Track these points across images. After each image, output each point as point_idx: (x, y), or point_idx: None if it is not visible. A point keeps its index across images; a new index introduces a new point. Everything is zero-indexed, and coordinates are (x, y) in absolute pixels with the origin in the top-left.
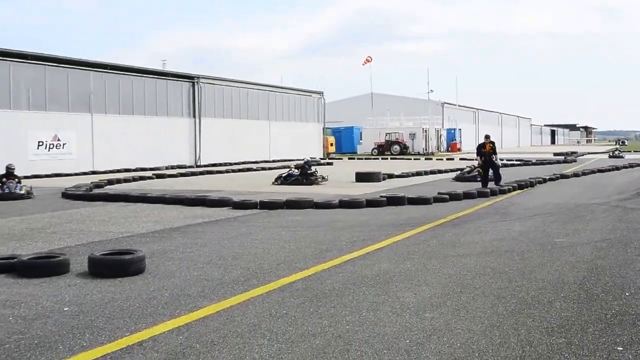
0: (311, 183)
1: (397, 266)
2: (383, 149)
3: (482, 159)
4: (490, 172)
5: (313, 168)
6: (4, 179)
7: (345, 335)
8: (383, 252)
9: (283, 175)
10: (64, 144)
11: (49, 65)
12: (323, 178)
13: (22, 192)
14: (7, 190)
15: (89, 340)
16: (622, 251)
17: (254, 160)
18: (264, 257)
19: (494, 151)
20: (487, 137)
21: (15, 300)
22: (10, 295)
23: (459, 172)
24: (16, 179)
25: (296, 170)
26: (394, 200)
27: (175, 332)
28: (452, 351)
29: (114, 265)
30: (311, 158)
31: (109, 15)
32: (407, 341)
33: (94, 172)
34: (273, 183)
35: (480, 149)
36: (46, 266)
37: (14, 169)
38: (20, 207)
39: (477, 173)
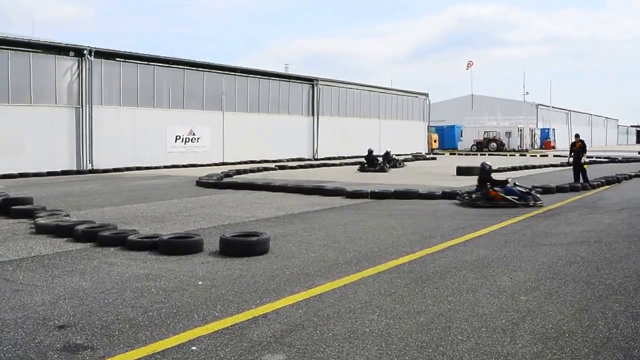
0: (380, 170)
1: (495, 253)
2: (481, 146)
3: (572, 154)
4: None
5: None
6: None
7: (447, 314)
8: (482, 240)
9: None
10: (198, 138)
11: (187, 69)
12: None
13: None
14: None
15: (220, 311)
16: None
17: (365, 154)
18: (374, 242)
19: (583, 149)
20: (577, 136)
21: (156, 274)
22: (152, 269)
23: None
24: None
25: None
26: None
27: (295, 306)
28: (545, 331)
29: (242, 245)
30: (388, 151)
31: (239, 24)
32: (503, 321)
33: (224, 163)
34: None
35: (572, 147)
36: (183, 245)
37: None
38: (160, 193)
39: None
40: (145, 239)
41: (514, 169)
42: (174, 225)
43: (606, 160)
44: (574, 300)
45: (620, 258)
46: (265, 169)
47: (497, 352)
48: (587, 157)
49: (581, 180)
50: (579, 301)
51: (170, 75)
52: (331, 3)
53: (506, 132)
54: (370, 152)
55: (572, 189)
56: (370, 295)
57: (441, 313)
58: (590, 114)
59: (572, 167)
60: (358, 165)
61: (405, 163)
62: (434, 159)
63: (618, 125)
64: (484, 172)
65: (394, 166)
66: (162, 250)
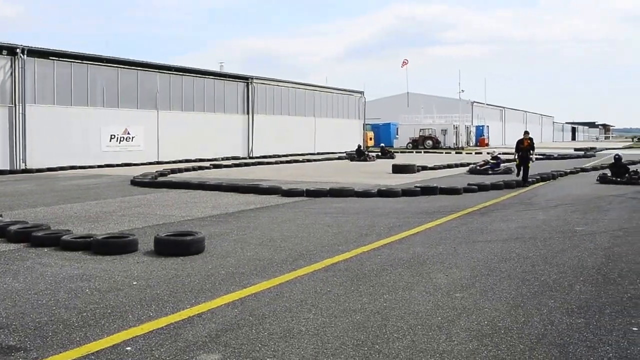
0: (366, 160)
1: (430, 250)
2: (417, 144)
3: (520, 154)
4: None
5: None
6: None
7: (382, 312)
8: (417, 238)
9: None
10: (133, 137)
11: (121, 67)
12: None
13: None
14: None
15: (155, 311)
16: (637, 239)
17: (300, 152)
18: (309, 240)
19: (532, 147)
20: (526, 133)
21: (91, 275)
22: (86, 270)
23: (473, 165)
24: None
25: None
26: (427, 190)
27: (231, 305)
28: (480, 328)
29: (177, 245)
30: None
31: (173, 24)
32: (439, 318)
33: (159, 162)
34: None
35: (519, 144)
36: (117, 245)
37: None
38: (95, 192)
39: (488, 166)
40: (79, 239)
41: (449, 166)
42: (108, 225)
43: (542, 157)
44: (510, 297)
45: (555, 254)
46: (201, 167)
47: (433, 350)
48: (535, 155)
49: (520, 177)
50: (515, 298)
51: (105, 73)
52: (270, 2)
53: (442, 130)
54: (359, 147)
55: (507, 186)
56: (306, 293)
57: (377, 311)
58: (525, 111)
59: (518, 162)
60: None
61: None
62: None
63: (553, 122)
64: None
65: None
66: (97, 250)
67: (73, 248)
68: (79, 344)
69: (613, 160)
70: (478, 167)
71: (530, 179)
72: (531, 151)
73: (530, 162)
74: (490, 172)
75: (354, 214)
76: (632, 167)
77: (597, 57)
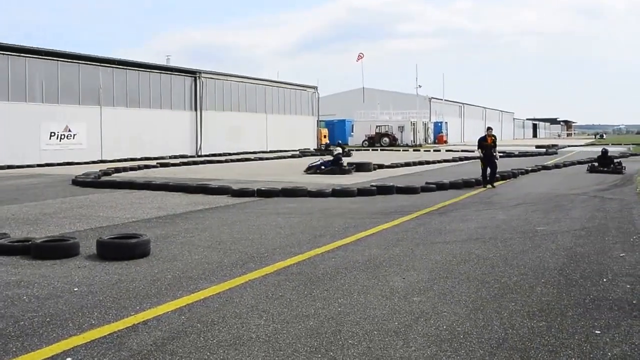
0: (344, 172)
1: (387, 252)
2: (373, 141)
3: (483, 152)
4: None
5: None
6: None
7: (337, 317)
8: (373, 239)
9: (314, 164)
10: (74, 135)
11: (61, 61)
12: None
13: None
14: None
15: (97, 319)
16: (599, 239)
17: (251, 150)
18: (260, 242)
19: (495, 145)
20: (489, 129)
21: (29, 281)
22: (24, 275)
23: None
24: None
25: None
26: (383, 190)
27: (178, 312)
28: (439, 333)
29: (121, 248)
30: (338, 145)
31: (118, 16)
32: (396, 323)
33: (102, 161)
34: (305, 172)
35: (482, 142)
36: (58, 249)
37: None
38: (33, 193)
39: (320, 162)
40: (16, 243)
41: (407, 164)
42: (48, 228)
43: (502, 154)
44: (469, 300)
45: (516, 255)
46: (147, 166)
47: (390, 357)
48: (499, 153)
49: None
50: (474, 301)
51: (44, 67)
52: None
53: (399, 127)
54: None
55: (466, 184)
56: (257, 298)
57: (331, 316)
58: (485, 107)
59: (482, 163)
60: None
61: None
62: (324, 155)
63: (514, 119)
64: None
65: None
66: (35, 254)
67: (10, 252)
68: (16, 354)
69: (600, 154)
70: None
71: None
72: (494, 149)
73: (496, 160)
74: (323, 167)
75: (308, 214)
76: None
77: (557, 51)
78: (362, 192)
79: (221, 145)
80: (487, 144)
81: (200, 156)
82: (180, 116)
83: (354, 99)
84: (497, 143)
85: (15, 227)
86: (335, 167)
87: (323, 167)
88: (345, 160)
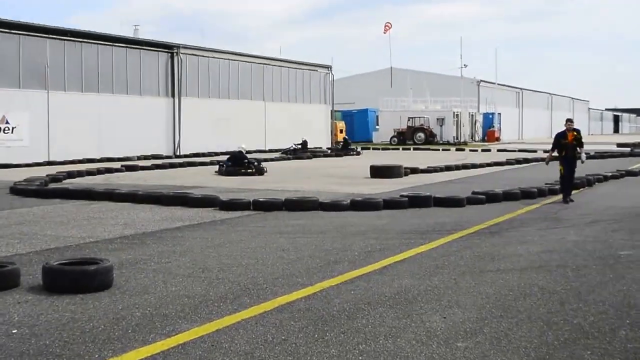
0: (250, 174)
1: (422, 283)
2: (404, 137)
3: (564, 153)
4: None
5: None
6: None
7: None
8: (404, 266)
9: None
10: (12, 128)
11: None
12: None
13: None
14: None
15: None
16: None
17: (245, 149)
18: (257, 270)
19: (579, 143)
20: (569, 121)
21: None
22: None
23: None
24: None
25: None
26: (418, 201)
27: None
28: None
29: (74, 277)
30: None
31: None
32: None
33: (49, 163)
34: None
35: (560, 139)
36: None
37: None
38: None
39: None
40: None
41: (448, 168)
42: None
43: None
44: (530, 347)
45: (592, 288)
46: (108, 170)
47: None
48: (585, 154)
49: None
50: (537, 348)
51: None
52: None
53: (438, 119)
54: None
55: (525, 195)
56: (253, 344)
57: None
58: (551, 94)
59: (561, 167)
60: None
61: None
62: (340, 155)
63: (589, 109)
64: None
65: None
66: None
67: None
68: None
69: None
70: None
71: (555, 186)
72: (579, 149)
73: (581, 162)
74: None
75: (319, 233)
76: None
77: None
78: (390, 204)
79: (206, 143)
80: (567, 142)
81: (179, 156)
82: (153, 104)
83: (380, 83)
84: (582, 140)
85: None
86: (235, 167)
87: (223, 167)
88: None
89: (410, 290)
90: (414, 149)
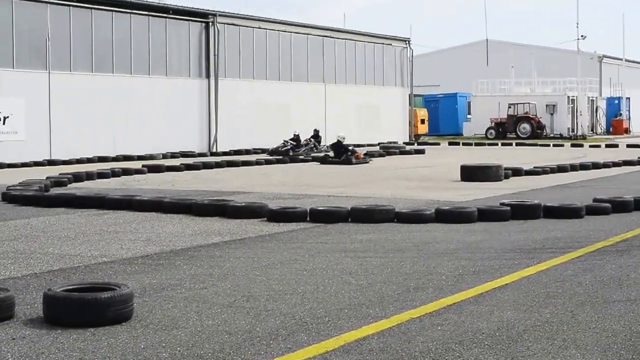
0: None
1: (530, 316)
2: (504, 130)
3: None
4: None
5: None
6: None
7: None
8: (506, 293)
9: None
10: (4, 118)
11: None
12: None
13: None
14: None
15: None
16: None
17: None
18: (317, 299)
19: None
20: None
21: None
22: None
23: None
24: None
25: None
26: (522, 211)
27: None
28: None
29: (84, 307)
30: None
31: None
32: None
33: (51, 162)
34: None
35: None
36: None
37: None
38: None
39: (289, 147)
40: None
41: (562, 169)
42: None
43: None
44: None
45: None
46: (126, 171)
47: None
48: None
49: None
50: None
51: None
52: None
53: (547, 105)
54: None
55: None
56: None
57: None
58: None
59: None
60: None
61: (370, 159)
62: (421, 152)
63: None
64: None
65: (348, 162)
66: None
67: None
68: None
69: None
70: (279, 149)
71: None
72: None
73: None
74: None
75: (395, 252)
76: None
77: None
78: (487, 214)
79: (249, 136)
80: None
81: (216, 153)
82: (182, 87)
83: (472, 60)
84: None
85: None
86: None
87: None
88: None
89: (515, 325)
90: (517, 144)
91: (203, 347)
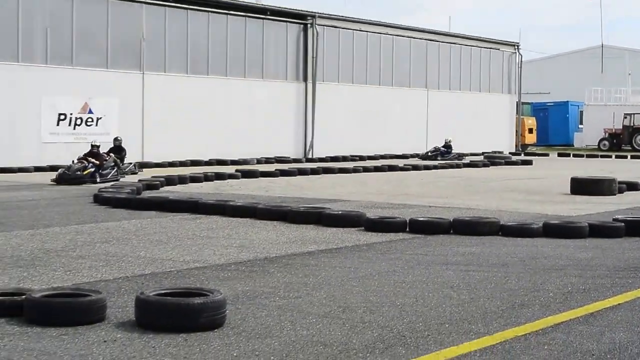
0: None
1: None
2: (619, 141)
3: None
4: None
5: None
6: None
7: None
8: (619, 314)
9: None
10: (98, 119)
11: None
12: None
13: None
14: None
15: None
16: None
17: (400, 153)
18: (416, 312)
19: None
20: None
21: None
22: (12, 352)
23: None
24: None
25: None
26: (638, 228)
27: None
28: None
29: (177, 312)
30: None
31: None
32: None
33: (143, 165)
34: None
35: None
36: (69, 309)
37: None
38: (30, 214)
39: (437, 152)
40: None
41: None
42: (53, 274)
43: None
44: None
45: None
46: (219, 175)
47: None
48: None
49: None
50: None
51: (45, 7)
52: None
53: None
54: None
55: None
56: None
57: None
58: None
59: None
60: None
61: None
62: (529, 163)
63: None
64: None
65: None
66: (33, 317)
67: None
68: None
69: None
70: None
71: None
72: None
73: None
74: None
75: (500, 266)
76: None
77: None
78: (599, 230)
79: (347, 143)
80: None
81: (311, 159)
82: (279, 90)
83: (585, 67)
84: None
85: (1, 271)
86: None
87: None
88: None
89: (627, 347)
90: (632, 156)
91: (297, 357)
